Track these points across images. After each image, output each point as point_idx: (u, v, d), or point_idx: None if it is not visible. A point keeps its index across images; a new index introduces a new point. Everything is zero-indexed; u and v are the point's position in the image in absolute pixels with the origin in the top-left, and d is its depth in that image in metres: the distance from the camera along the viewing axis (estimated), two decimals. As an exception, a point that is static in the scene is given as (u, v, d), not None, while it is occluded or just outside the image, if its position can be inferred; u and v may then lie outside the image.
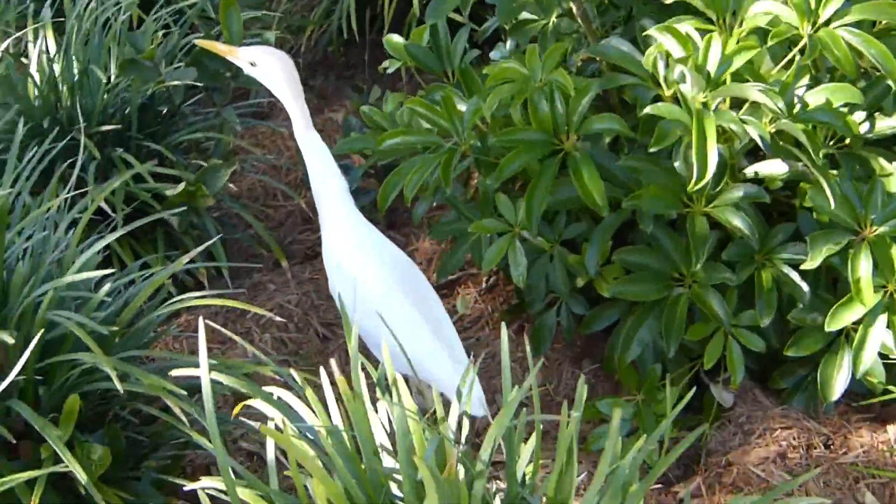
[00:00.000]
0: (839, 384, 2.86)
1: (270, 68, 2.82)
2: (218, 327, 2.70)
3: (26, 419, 2.39)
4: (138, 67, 3.49)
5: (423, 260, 3.75)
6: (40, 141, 3.31)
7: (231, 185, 3.90)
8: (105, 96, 3.58)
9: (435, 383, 2.60)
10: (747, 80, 2.71)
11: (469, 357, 2.68)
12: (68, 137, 3.37)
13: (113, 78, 3.64)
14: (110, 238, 2.70)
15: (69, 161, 3.22)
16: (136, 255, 3.48)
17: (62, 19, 3.84)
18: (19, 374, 2.35)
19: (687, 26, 2.77)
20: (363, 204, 3.83)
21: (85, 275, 2.52)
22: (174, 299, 2.65)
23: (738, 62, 2.68)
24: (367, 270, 2.74)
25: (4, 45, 3.72)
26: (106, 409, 2.65)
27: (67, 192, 2.95)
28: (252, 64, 2.84)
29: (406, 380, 2.53)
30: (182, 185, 3.39)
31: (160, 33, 3.50)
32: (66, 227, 2.82)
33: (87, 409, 2.56)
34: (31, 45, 3.80)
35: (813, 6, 2.70)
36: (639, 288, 2.93)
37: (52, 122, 3.52)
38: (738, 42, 2.71)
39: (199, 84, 3.57)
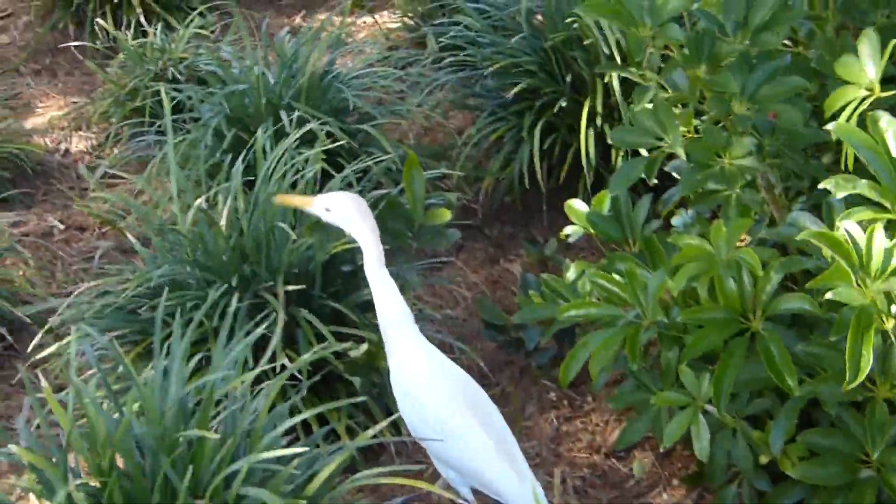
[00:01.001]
0: None
1: (346, 211, 3.13)
2: None
3: None
4: (324, 227, 3.59)
5: (601, 422, 3.75)
6: (227, 297, 3.47)
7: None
8: (289, 255, 3.69)
9: (502, 497, 2.96)
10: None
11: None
12: (251, 295, 3.51)
13: (297, 236, 3.75)
14: (299, 416, 2.77)
15: (253, 320, 3.35)
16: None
17: (251, 178, 3.99)
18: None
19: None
20: (541, 363, 3.87)
21: (279, 452, 2.60)
22: (360, 476, 2.71)
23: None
24: (433, 394, 3.05)
25: (199, 201, 3.86)
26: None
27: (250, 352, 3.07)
28: (327, 210, 3.15)
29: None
30: (365, 346, 3.46)
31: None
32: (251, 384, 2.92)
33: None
34: (220, 200, 3.95)
35: None
36: (825, 471, 2.89)
37: (240, 280, 3.64)
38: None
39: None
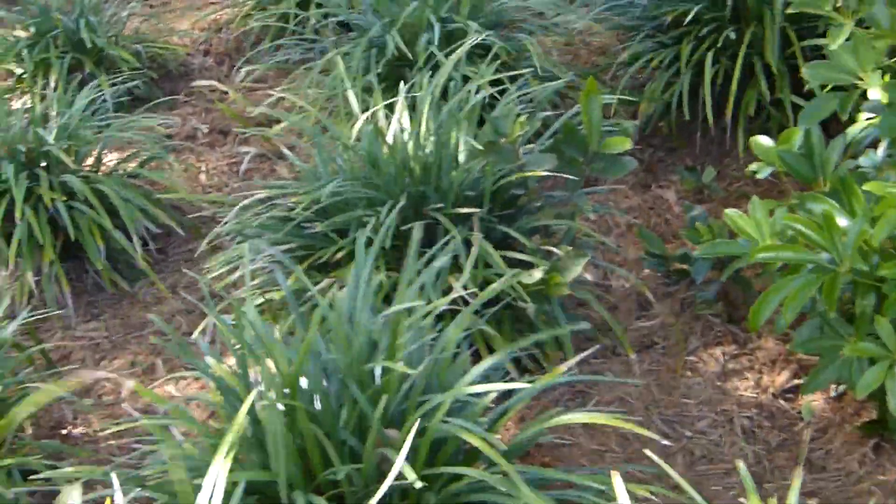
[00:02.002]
0: None
1: None
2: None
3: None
4: (498, 150, 3.52)
5: (768, 360, 3.67)
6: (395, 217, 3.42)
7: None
8: (457, 176, 3.63)
9: None
10: None
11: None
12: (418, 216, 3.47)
13: (466, 158, 3.68)
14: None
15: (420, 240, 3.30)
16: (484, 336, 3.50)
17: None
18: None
19: None
20: (706, 297, 3.79)
21: (480, 387, 2.56)
22: (553, 413, 2.67)
23: None
24: None
25: (367, 113, 3.80)
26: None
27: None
28: None
29: None
30: (539, 274, 3.40)
31: (522, 118, 3.51)
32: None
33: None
34: (382, 117, 3.89)
35: None
36: None
37: (408, 200, 3.58)
38: None
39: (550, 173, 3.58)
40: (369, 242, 3.23)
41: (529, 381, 2.78)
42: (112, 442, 3.68)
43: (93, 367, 4.03)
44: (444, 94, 4.00)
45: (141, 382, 3.91)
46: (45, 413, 3.75)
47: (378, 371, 2.73)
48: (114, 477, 2.18)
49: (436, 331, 2.91)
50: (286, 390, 2.62)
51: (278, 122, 5.07)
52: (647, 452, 2.67)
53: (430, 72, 4.11)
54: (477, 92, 3.88)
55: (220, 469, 2.28)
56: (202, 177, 4.96)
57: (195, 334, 3.56)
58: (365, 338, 2.76)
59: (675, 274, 3.98)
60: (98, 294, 4.38)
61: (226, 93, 5.52)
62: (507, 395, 2.86)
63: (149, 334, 4.16)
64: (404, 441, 2.39)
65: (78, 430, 3.72)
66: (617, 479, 2.32)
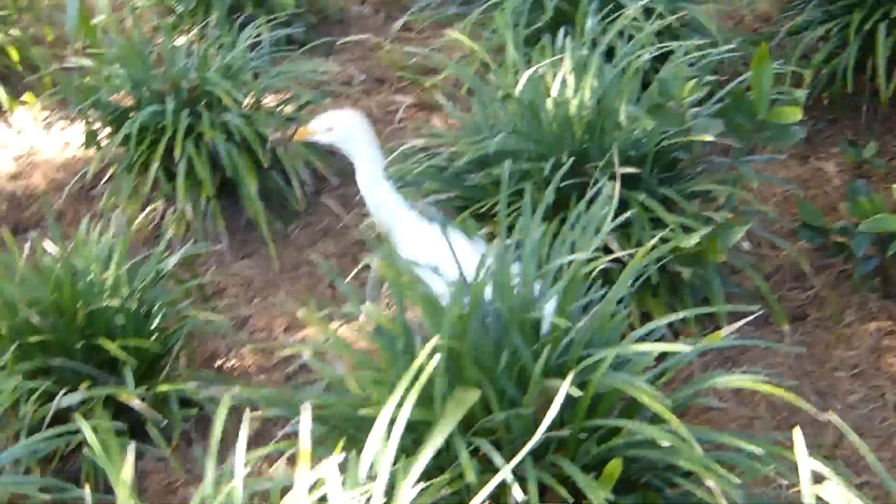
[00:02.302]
0: None
1: (347, 127, 3.21)
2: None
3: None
4: (664, 113, 3.50)
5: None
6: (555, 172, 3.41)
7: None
8: (620, 136, 3.61)
9: None
10: None
11: None
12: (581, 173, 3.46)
13: (629, 118, 3.66)
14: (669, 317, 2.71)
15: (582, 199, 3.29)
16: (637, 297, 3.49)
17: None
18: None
19: None
20: (864, 272, 3.73)
21: (644, 346, 2.56)
22: (710, 374, 2.66)
23: None
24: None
25: (533, 68, 3.80)
26: (638, 475, 2.67)
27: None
28: (328, 129, 3.23)
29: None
30: (697, 238, 3.37)
31: (692, 82, 3.47)
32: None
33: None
34: (548, 76, 3.87)
35: None
36: None
37: (569, 156, 3.57)
38: None
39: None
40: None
41: (687, 344, 2.75)
42: (262, 377, 3.76)
43: (245, 303, 4.11)
44: (608, 55, 3.98)
45: (290, 324, 3.98)
46: (199, 345, 3.84)
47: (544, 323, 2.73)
48: (303, 407, 2.22)
49: (596, 288, 2.91)
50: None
51: (434, 73, 5.10)
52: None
53: (596, 31, 4.08)
54: (641, 54, 3.85)
55: (390, 407, 2.31)
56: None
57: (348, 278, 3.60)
58: (529, 288, 2.76)
59: (832, 247, 3.92)
60: (251, 233, 4.46)
61: (382, 41, 5.56)
62: (659, 357, 2.85)
63: (302, 275, 4.23)
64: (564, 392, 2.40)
65: (230, 364, 3.81)
66: (798, 437, 2.29)
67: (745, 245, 3.70)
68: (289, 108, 4.69)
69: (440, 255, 2.95)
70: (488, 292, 2.86)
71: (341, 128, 3.23)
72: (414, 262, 2.85)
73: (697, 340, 2.78)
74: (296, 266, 4.28)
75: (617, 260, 3.05)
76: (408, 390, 2.21)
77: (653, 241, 2.86)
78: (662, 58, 4.09)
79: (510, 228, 3.11)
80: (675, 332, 3.55)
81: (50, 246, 3.61)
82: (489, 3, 4.86)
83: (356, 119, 3.23)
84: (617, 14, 4.19)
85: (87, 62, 4.55)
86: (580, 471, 2.46)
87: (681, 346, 2.65)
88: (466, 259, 2.89)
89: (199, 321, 3.68)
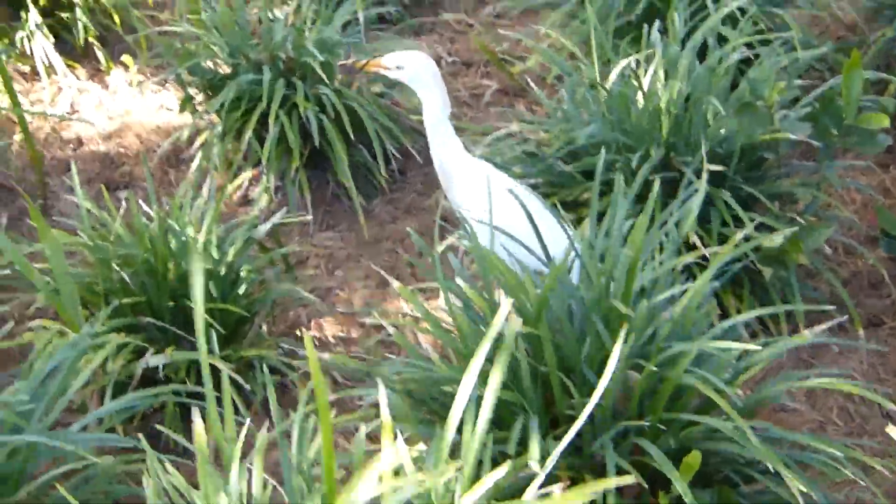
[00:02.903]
0: None
1: (418, 68, 3.26)
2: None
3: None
4: (753, 112, 3.51)
5: None
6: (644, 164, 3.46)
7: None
8: (709, 132, 3.62)
9: None
10: None
11: None
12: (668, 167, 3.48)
13: (715, 117, 3.67)
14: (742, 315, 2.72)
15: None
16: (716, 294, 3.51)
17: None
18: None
19: None
20: None
21: (724, 343, 2.58)
22: (787, 375, 2.68)
23: None
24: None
25: (625, 61, 3.82)
26: (716, 468, 2.69)
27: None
28: (399, 67, 3.29)
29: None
30: (780, 238, 3.38)
31: (782, 83, 3.48)
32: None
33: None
34: (641, 69, 3.89)
35: None
36: None
37: (657, 150, 3.60)
38: None
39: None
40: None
41: (764, 344, 2.78)
42: (340, 349, 3.82)
43: (326, 275, 4.17)
44: (700, 54, 3.99)
45: (372, 296, 4.03)
46: (281, 313, 3.90)
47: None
48: (379, 382, 2.26)
49: (681, 282, 2.94)
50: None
51: (521, 59, 5.13)
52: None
53: (686, 28, 4.09)
54: (731, 54, 3.86)
55: (474, 380, 2.34)
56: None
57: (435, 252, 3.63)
58: (618, 276, 2.80)
59: (912, 257, 3.93)
60: (335, 204, 4.52)
61: (471, 25, 5.59)
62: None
63: (383, 251, 4.28)
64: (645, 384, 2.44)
65: (312, 334, 3.87)
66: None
67: (826, 249, 3.71)
68: (377, 87, 4.73)
69: (498, 207, 3.07)
70: (575, 277, 2.90)
71: (412, 68, 3.29)
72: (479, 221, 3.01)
73: (773, 339, 2.80)
74: (377, 241, 4.33)
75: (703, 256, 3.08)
76: (491, 369, 2.24)
77: (738, 237, 2.89)
78: (750, 58, 4.10)
79: (599, 218, 3.14)
80: (752, 331, 3.56)
81: (144, 206, 3.69)
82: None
83: (426, 61, 3.30)
84: (707, 13, 4.20)
85: (186, 28, 4.60)
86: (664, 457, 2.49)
87: (755, 346, 2.67)
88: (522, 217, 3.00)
89: (282, 290, 3.74)
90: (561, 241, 3.05)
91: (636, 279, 2.74)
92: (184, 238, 3.49)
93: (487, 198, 3.07)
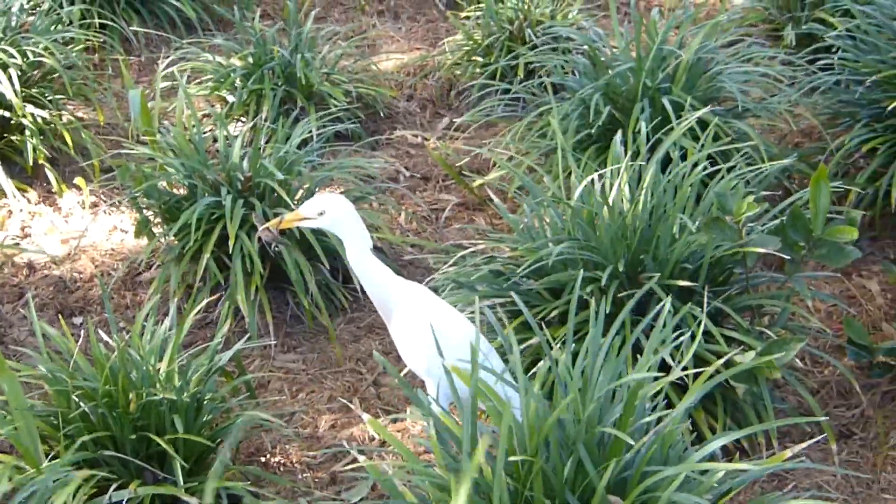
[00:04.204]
0: None
1: (338, 211, 3.30)
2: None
3: None
4: (722, 226, 3.52)
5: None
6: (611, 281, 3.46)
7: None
8: (676, 248, 3.63)
9: None
10: None
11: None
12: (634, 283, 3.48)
13: (683, 231, 3.68)
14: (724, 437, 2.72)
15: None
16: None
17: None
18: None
19: None
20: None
21: (712, 465, 2.56)
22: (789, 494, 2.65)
23: None
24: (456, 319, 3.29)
25: (590, 177, 3.83)
26: None
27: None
28: (320, 214, 3.31)
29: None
30: (752, 354, 3.38)
31: (750, 197, 3.50)
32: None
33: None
34: (606, 182, 3.90)
35: None
36: None
37: (625, 266, 3.59)
38: None
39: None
40: (584, 304, 3.28)
41: (755, 464, 2.76)
42: (307, 474, 3.74)
43: (290, 398, 4.11)
44: (662, 164, 4.01)
45: (336, 420, 3.97)
46: (245, 440, 3.83)
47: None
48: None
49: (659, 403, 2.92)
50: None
51: (479, 173, 5.15)
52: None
53: (647, 141, 4.12)
54: (696, 167, 3.88)
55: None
56: (401, 219, 5.03)
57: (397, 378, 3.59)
58: (598, 402, 2.77)
59: (878, 366, 3.93)
60: (296, 326, 4.47)
61: (427, 139, 5.62)
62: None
63: (345, 371, 4.23)
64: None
65: (276, 459, 3.80)
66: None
67: (798, 361, 3.71)
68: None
69: (443, 333, 3.12)
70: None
71: (333, 211, 3.32)
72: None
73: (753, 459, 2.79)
74: (340, 362, 4.28)
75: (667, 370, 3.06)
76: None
77: (717, 364, 2.89)
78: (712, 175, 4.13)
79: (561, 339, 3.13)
80: (724, 447, 3.53)
81: (103, 333, 3.62)
82: (542, 109, 4.92)
83: (345, 203, 3.34)
84: (667, 125, 4.24)
85: (141, 150, 4.58)
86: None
87: (746, 466, 2.65)
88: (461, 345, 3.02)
89: (246, 417, 3.67)
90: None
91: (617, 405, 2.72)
92: (145, 368, 3.42)
93: (432, 319, 3.15)
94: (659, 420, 2.88)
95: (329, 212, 3.31)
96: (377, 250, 4.37)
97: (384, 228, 4.71)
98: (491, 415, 2.80)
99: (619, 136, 4.13)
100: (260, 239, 3.61)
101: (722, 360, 3.07)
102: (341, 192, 4.70)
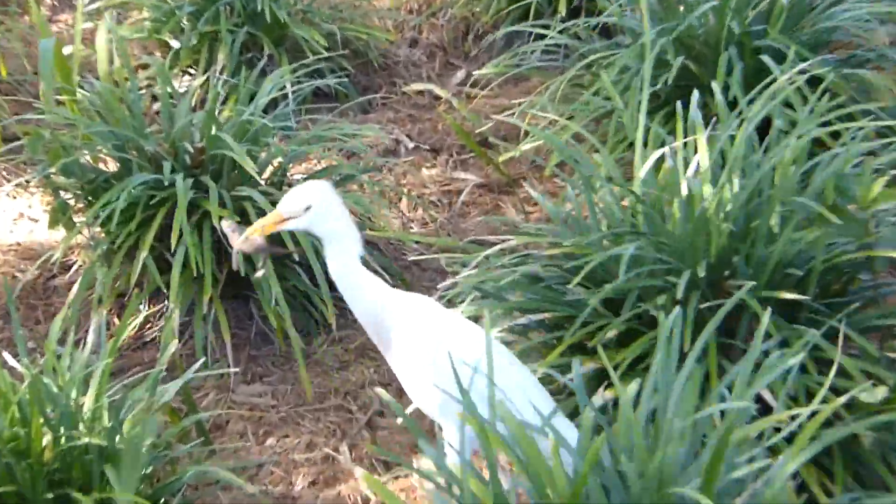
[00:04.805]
0: None
1: (327, 201, 3.26)
2: None
3: None
4: (844, 219, 3.46)
5: None
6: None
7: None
8: (777, 248, 3.57)
9: None
10: None
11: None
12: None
13: (783, 224, 3.63)
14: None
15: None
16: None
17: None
18: None
19: None
20: None
21: None
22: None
23: None
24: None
25: (658, 152, 3.78)
26: None
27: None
28: (308, 208, 3.26)
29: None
30: (883, 390, 3.31)
31: (882, 180, 3.44)
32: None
33: None
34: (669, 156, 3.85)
35: None
36: None
37: (707, 270, 3.54)
38: None
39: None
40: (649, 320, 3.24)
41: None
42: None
43: (256, 445, 4.06)
44: (760, 135, 3.96)
45: (318, 475, 3.92)
46: (196, 500, 3.78)
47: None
48: None
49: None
50: None
51: (505, 142, 5.09)
52: None
53: (733, 104, 4.07)
54: (800, 138, 3.82)
55: None
56: (403, 205, 4.98)
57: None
58: (672, 452, 2.72)
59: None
60: (263, 347, 4.43)
61: (438, 98, 5.57)
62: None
63: (329, 409, 4.18)
64: None
65: (236, 530, 3.76)
66: None
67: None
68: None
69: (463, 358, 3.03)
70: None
71: (320, 200, 3.26)
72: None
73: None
74: (322, 395, 4.23)
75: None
76: None
77: (836, 404, 2.82)
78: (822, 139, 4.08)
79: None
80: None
81: (9, 357, 3.58)
82: (590, 58, 4.86)
83: (329, 189, 3.29)
84: (765, 82, 4.17)
85: (57, 112, 4.52)
86: None
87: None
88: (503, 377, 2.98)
89: (196, 470, 3.61)
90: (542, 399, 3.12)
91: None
92: (65, 403, 3.37)
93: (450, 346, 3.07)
94: (756, 476, 2.83)
95: (316, 203, 3.25)
96: (369, 247, 4.35)
97: (379, 218, 4.66)
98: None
99: (696, 95, 4.06)
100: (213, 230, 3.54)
101: (842, 400, 3.01)
102: (321, 172, 4.65)
